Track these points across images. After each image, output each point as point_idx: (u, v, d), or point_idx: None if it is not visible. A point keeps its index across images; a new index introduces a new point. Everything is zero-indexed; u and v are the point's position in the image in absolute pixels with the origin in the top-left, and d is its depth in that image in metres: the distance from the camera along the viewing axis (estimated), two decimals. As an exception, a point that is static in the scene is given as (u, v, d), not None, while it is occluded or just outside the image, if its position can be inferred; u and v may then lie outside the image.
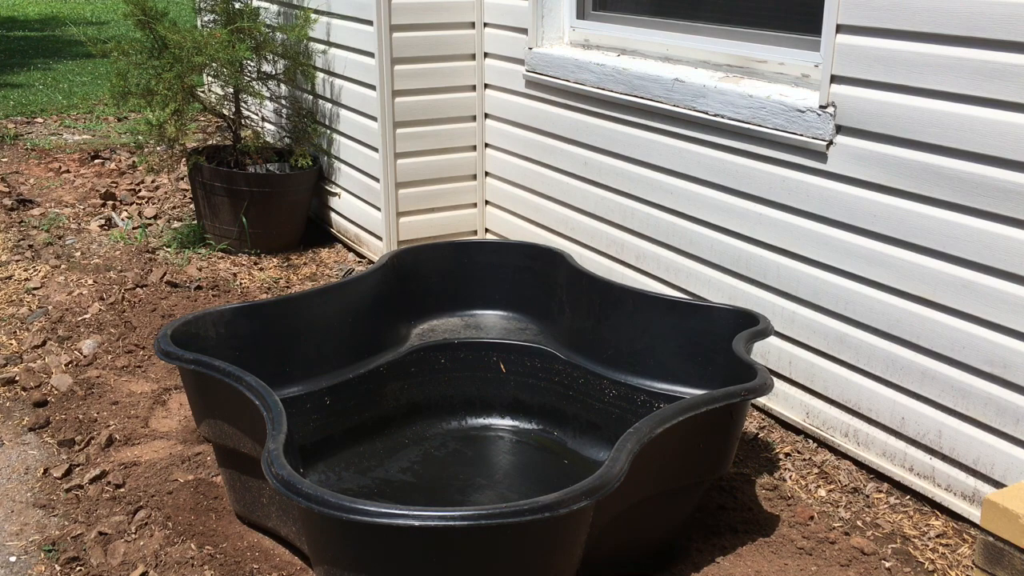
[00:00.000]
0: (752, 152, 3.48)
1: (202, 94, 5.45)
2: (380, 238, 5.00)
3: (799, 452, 3.44)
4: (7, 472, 3.31)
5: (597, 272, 3.74)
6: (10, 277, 4.87)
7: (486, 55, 4.88)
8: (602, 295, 3.45)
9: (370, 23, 4.73)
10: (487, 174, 5.06)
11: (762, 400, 3.64)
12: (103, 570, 2.79)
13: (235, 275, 4.99)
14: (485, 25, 4.84)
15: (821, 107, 3.18)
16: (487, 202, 5.11)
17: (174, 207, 6.05)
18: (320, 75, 5.42)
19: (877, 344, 3.17)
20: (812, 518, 3.04)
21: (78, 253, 5.23)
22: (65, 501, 3.14)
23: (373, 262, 4.95)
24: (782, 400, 3.58)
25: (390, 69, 4.73)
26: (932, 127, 2.88)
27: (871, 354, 3.20)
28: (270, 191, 5.23)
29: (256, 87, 5.47)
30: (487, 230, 5.16)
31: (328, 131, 5.42)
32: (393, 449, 3.45)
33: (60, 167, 6.85)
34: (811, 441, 3.50)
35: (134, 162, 6.86)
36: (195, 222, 5.54)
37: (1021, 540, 2.16)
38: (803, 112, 3.24)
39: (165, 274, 4.84)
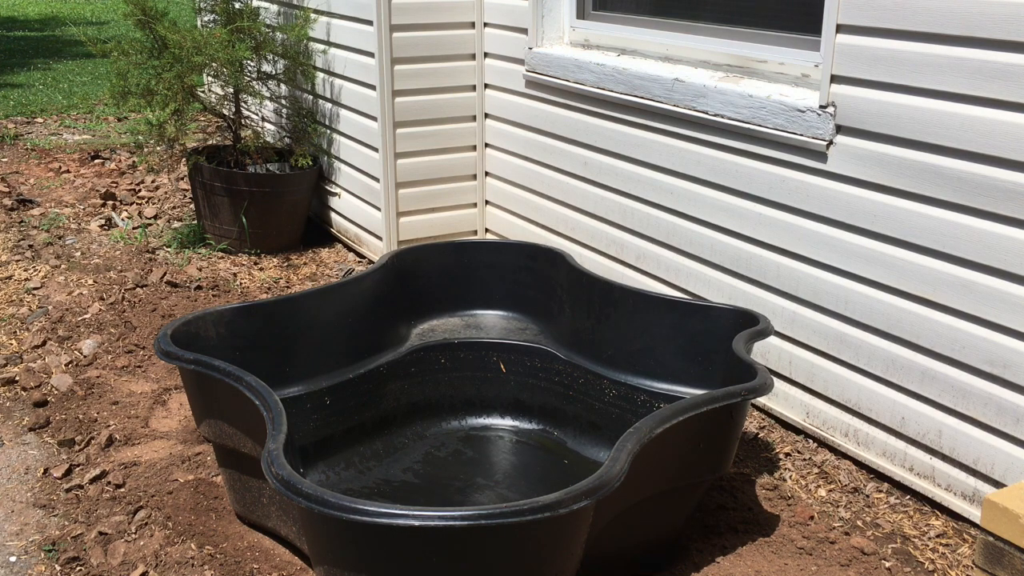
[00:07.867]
0: (752, 152, 3.48)
1: (202, 94, 5.45)
2: (380, 238, 5.00)
3: (799, 452, 3.45)
4: (7, 472, 3.31)
5: (597, 272, 3.73)
6: (10, 277, 4.87)
7: (486, 55, 4.88)
8: (602, 295, 3.45)
9: (370, 23, 4.73)
10: (487, 174, 5.06)
11: (762, 400, 3.64)
12: (103, 570, 2.79)
13: (235, 275, 4.99)
14: (485, 25, 4.84)
15: (821, 107, 3.18)
16: (487, 202, 5.11)
17: (174, 207, 6.04)
18: (320, 75, 5.42)
19: (877, 344, 3.17)
20: (812, 518, 3.04)
21: (78, 253, 5.23)
22: (65, 501, 3.14)
23: (373, 262, 4.95)
24: (782, 400, 3.58)
25: (390, 69, 4.73)
26: (932, 127, 2.88)
27: (871, 354, 3.20)
28: (270, 191, 5.23)
29: (256, 87, 5.47)
30: (487, 230, 5.16)
31: (328, 131, 5.42)
32: (393, 449, 3.45)
33: (60, 167, 6.85)
34: (811, 441, 3.50)
35: (134, 162, 6.86)
36: (195, 222, 5.54)
37: (1021, 540, 2.16)
38: (803, 112, 3.24)
39: (165, 274, 4.84)
